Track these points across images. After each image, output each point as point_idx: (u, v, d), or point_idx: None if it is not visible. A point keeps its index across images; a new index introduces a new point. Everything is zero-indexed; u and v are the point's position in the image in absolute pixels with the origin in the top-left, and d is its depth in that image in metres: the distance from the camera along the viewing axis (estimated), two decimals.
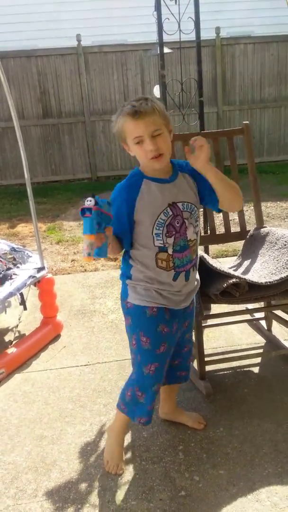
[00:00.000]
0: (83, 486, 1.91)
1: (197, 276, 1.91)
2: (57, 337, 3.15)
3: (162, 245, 1.70)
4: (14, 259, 3.35)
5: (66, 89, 8.17)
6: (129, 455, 2.05)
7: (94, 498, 1.84)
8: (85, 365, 2.79)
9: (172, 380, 2.06)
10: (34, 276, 3.04)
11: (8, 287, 2.86)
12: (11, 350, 2.82)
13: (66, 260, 4.78)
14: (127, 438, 2.14)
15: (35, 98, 8.12)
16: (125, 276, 1.82)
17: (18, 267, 3.18)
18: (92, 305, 3.62)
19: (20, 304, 3.05)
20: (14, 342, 3.07)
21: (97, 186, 8.23)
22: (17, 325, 3.34)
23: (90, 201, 1.47)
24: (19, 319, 3.41)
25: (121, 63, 8.14)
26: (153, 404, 1.89)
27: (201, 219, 3.13)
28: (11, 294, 2.80)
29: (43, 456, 2.08)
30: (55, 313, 3.20)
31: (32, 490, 1.90)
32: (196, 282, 1.90)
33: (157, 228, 1.68)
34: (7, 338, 3.18)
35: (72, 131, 8.35)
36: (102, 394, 2.49)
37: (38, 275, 3.07)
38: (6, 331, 3.28)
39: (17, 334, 3.22)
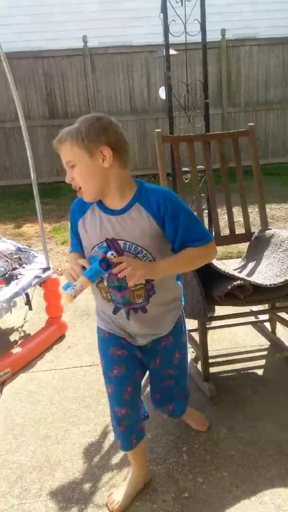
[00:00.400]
0: (87, 486, 1.92)
1: (163, 319, 1.71)
2: (61, 337, 3.16)
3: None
4: (20, 259, 3.37)
5: (72, 90, 8.19)
6: None
7: (98, 498, 1.85)
8: (89, 366, 2.80)
9: (165, 412, 2.01)
10: (39, 276, 3.05)
11: (14, 287, 2.87)
12: (16, 350, 2.83)
13: None
14: None
15: (41, 99, 8.14)
16: None
17: (23, 267, 3.20)
18: None
19: (26, 304, 3.06)
20: (19, 342, 3.08)
21: None
22: (22, 325, 3.36)
23: (113, 254, 1.45)
24: (24, 319, 3.43)
25: (127, 65, 8.16)
26: (120, 428, 1.75)
27: (205, 221, 3.14)
28: (16, 294, 2.82)
29: (47, 456, 2.09)
30: (60, 313, 3.21)
31: (36, 490, 1.91)
32: (153, 328, 1.69)
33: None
34: (13, 338, 3.20)
35: None
36: (106, 395, 2.48)
37: (43, 275, 3.08)
38: (11, 331, 3.30)
39: (22, 334, 3.24)
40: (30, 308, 3.12)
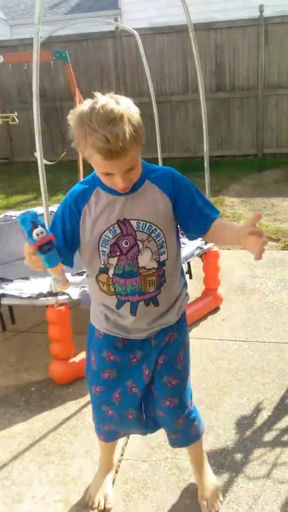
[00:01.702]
0: (238, 456, 1.95)
1: (173, 309, 1.54)
2: (216, 309, 3.21)
3: (103, 266, 1.43)
4: None
5: (242, 62, 7.99)
6: (286, 438, 2.03)
7: (249, 470, 1.88)
8: (243, 341, 2.80)
9: (169, 440, 1.74)
10: (201, 248, 3.12)
11: None
12: None
13: None
14: (285, 421, 2.12)
15: (210, 72, 8.10)
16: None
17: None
18: (252, 283, 3.59)
19: (187, 273, 3.16)
20: None
21: (263, 163, 8.00)
22: None
23: (42, 233, 1.21)
24: None
25: None
26: (107, 425, 1.67)
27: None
28: None
29: None
30: (217, 285, 3.25)
31: None
32: (161, 319, 1.52)
33: (102, 245, 1.41)
34: None
35: (243, 106, 8.18)
36: (260, 372, 2.48)
37: (205, 247, 3.13)
38: None
39: None
40: (191, 277, 3.21)
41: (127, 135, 1.21)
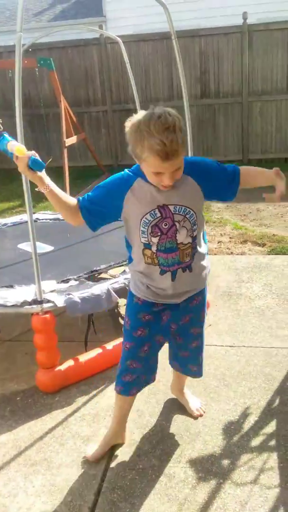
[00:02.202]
0: (225, 462, 1.95)
1: (202, 274, 1.87)
2: None
3: (147, 242, 1.72)
4: None
5: (226, 69, 8.06)
6: (273, 443, 2.03)
7: (236, 476, 1.87)
8: (230, 346, 2.81)
9: (184, 371, 2.16)
10: None
11: None
12: None
13: (213, 241, 4.81)
14: (272, 426, 2.12)
15: (195, 78, 8.16)
16: (130, 263, 1.88)
17: None
18: (239, 288, 3.61)
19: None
20: None
21: None
22: None
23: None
24: None
25: (287, 41, 7.75)
26: (127, 377, 1.95)
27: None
28: None
29: (187, 425, 2.17)
30: None
31: (176, 455, 2.00)
32: (194, 284, 1.85)
33: (143, 226, 1.69)
34: None
35: (228, 112, 8.25)
36: (247, 377, 2.49)
37: None
38: None
39: None
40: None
41: (179, 140, 1.50)
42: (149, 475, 1.91)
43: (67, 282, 2.68)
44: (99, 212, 1.73)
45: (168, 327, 1.93)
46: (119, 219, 1.75)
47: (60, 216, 4.13)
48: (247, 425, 2.14)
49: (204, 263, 1.86)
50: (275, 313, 3.18)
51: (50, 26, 10.87)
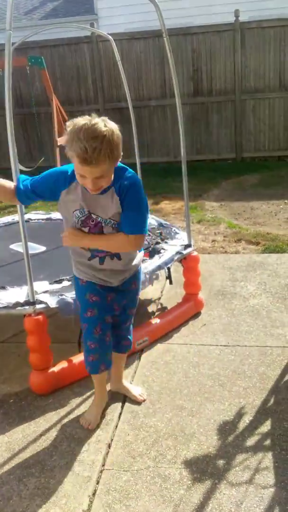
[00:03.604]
0: (220, 462, 1.94)
1: (132, 263, 2.05)
2: (197, 314, 3.20)
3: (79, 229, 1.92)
4: (162, 234, 3.46)
5: (219, 67, 8.06)
6: (268, 442, 2.03)
7: (232, 476, 1.86)
8: (224, 346, 2.80)
9: (118, 349, 2.29)
10: (181, 253, 3.11)
11: (157, 260, 2.96)
12: (155, 321, 2.94)
13: (207, 240, 4.80)
14: (267, 425, 2.12)
15: (187, 76, 8.15)
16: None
17: (166, 242, 3.28)
18: (233, 287, 3.60)
19: (167, 278, 3.15)
20: (156, 314, 3.19)
21: (242, 166, 8.07)
22: (159, 298, 3.47)
23: None
24: (161, 293, 3.54)
25: (279, 39, 7.76)
26: (90, 357, 2.13)
27: None
28: (159, 268, 2.91)
29: (182, 426, 2.16)
30: (198, 290, 3.24)
31: (171, 456, 1.98)
32: (123, 268, 2.02)
33: (75, 217, 1.88)
34: (150, 309, 3.33)
35: (221, 110, 8.25)
36: (242, 377, 2.48)
37: (184, 252, 3.13)
38: (149, 302, 3.42)
39: (159, 306, 3.35)
40: (171, 282, 3.20)
41: (102, 152, 1.59)
42: (144, 477, 1.90)
43: (60, 282, 2.66)
44: (40, 191, 1.91)
45: (112, 307, 2.11)
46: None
47: (52, 216, 4.12)
48: (242, 424, 2.13)
49: (132, 257, 2.04)
50: (269, 312, 3.18)
51: (41, 25, 10.80)
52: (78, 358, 2.53)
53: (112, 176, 1.77)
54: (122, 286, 2.08)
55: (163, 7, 2.88)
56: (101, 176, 1.68)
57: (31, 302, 2.38)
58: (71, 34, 8.48)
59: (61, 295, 2.47)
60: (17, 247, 3.35)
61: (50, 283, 2.64)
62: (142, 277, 2.79)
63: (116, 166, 1.75)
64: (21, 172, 2.26)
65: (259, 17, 8.33)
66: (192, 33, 7.96)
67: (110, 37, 3.84)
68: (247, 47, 7.88)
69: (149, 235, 3.54)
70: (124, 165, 1.85)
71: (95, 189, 1.74)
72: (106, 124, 1.61)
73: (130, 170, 1.85)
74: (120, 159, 1.72)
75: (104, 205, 1.83)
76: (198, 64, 8.11)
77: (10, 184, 1.94)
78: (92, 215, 1.86)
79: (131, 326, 2.32)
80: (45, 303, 2.40)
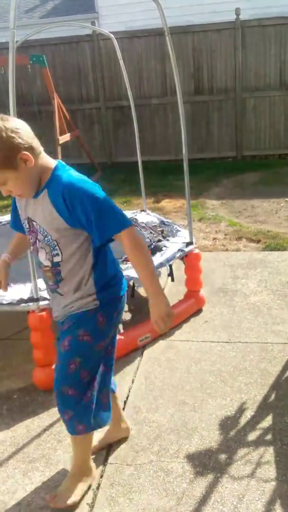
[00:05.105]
0: (222, 456, 1.97)
1: (75, 303, 1.69)
2: (198, 311, 3.23)
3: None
4: (163, 232, 3.49)
5: (220, 65, 8.07)
6: (269, 437, 2.05)
7: (233, 470, 1.89)
8: (226, 342, 2.82)
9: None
10: (182, 250, 3.13)
11: (159, 258, 2.99)
12: None
13: (208, 238, 4.82)
14: (268, 420, 2.14)
15: (188, 75, 8.16)
16: None
17: (167, 240, 3.31)
18: (234, 284, 3.62)
19: (168, 275, 3.17)
20: None
21: (242, 165, 8.08)
22: None
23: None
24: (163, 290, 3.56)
25: (280, 37, 7.76)
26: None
27: None
28: (161, 265, 2.93)
29: (184, 421, 2.18)
30: (199, 287, 3.27)
31: (174, 451, 2.01)
32: (65, 306, 1.71)
33: (25, 228, 1.72)
34: None
35: (222, 108, 8.26)
36: (243, 373, 2.50)
37: (186, 249, 3.15)
38: None
39: None
40: (173, 280, 3.22)
41: None
42: (147, 471, 1.92)
43: None
44: (19, 219, 1.75)
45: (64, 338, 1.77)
46: None
47: None
48: (244, 419, 2.16)
49: (79, 296, 1.67)
50: (270, 308, 3.20)
51: (42, 23, 10.80)
52: None
53: (27, 182, 1.54)
54: (63, 323, 1.75)
55: (164, 5, 2.89)
56: (3, 182, 1.51)
57: (35, 299, 2.40)
58: (72, 33, 8.49)
59: None
60: None
61: None
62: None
63: (37, 167, 1.53)
64: None
65: (260, 15, 8.32)
66: (192, 31, 7.96)
67: (111, 35, 3.85)
68: (248, 45, 7.88)
69: (151, 232, 3.56)
70: (64, 164, 1.62)
71: (7, 194, 1.55)
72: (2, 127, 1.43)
73: (66, 170, 1.60)
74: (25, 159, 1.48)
75: (36, 209, 1.61)
76: (199, 62, 8.12)
77: (17, 236, 1.88)
78: (33, 222, 1.64)
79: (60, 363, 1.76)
80: (49, 299, 2.42)
